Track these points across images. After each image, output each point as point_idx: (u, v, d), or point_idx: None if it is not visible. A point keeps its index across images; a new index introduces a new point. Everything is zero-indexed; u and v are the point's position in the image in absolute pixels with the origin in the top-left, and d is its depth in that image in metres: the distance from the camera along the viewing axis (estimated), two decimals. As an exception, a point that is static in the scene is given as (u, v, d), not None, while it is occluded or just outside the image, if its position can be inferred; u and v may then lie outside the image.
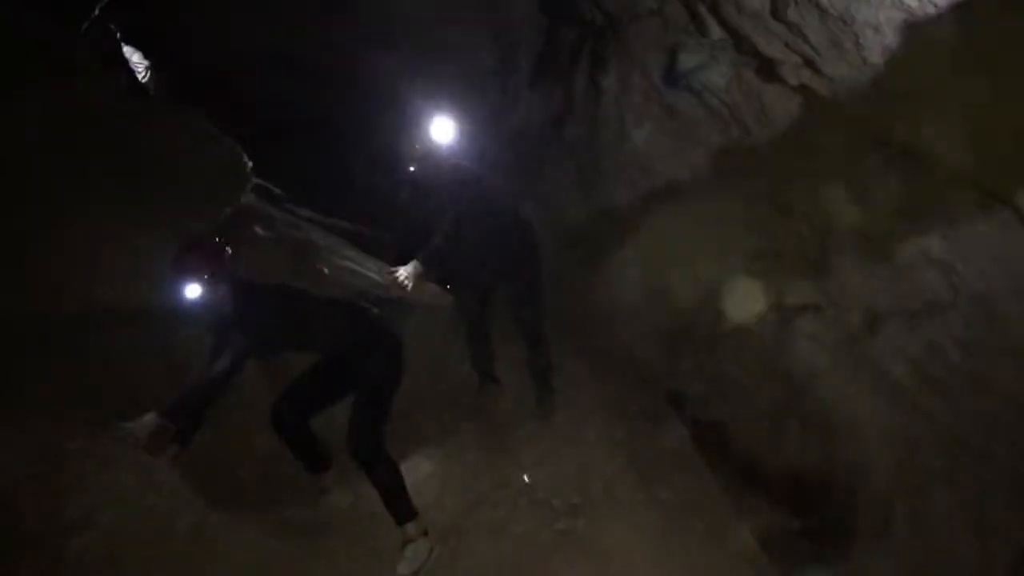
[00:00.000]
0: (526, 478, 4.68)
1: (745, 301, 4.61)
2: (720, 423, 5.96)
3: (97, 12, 7.32)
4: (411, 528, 3.82)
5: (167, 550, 3.46)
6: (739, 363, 5.82)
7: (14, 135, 5.39)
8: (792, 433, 5.56)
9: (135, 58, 7.94)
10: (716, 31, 5.05)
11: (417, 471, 4.67)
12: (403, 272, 4.95)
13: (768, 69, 4.81)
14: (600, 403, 5.05)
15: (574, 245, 6.98)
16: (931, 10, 3.66)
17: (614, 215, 6.63)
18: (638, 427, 4.99)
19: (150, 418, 3.51)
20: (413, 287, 4.97)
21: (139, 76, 7.91)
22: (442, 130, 4.97)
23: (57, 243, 5.02)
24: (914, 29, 3.72)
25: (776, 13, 4.40)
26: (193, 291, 3.84)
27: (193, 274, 3.85)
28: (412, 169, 5.02)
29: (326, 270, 5.78)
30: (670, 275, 6.20)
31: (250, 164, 6.83)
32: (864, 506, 5.18)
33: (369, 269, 6.23)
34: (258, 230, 5.97)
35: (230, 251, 4.05)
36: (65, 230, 5.10)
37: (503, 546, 4.06)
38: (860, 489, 5.21)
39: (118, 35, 7.77)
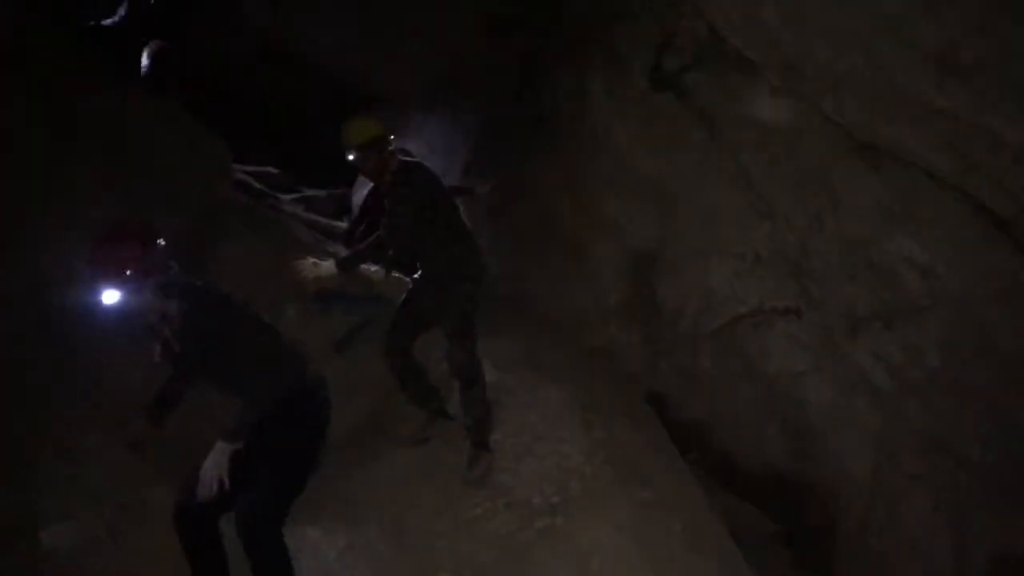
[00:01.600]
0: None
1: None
2: (700, 424, 5.97)
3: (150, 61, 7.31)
4: None
5: (141, 544, 3.42)
6: (719, 364, 5.84)
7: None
8: (771, 435, 5.58)
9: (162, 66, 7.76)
10: (701, 32, 5.06)
11: (394, 470, 4.65)
12: (308, 264, 4.40)
13: (751, 71, 4.83)
14: (579, 402, 5.03)
15: (559, 245, 6.97)
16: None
17: (598, 215, 6.62)
18: (618, 427, 4.97)
19: (140, 427, 3.41)
20: (310, 281, 4.46)
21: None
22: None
23: (41, 232, 4.98)
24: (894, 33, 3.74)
25: (759, 16, 4.42)
26: (109, 295, 3.11)
27: (110, 269, 3.10)
28: (350, 157, 4.51)
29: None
30: (652, 275, 6.20)
31: (233, 157, 6.81)
32: (842, 508, 5.21)
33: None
34: (237, 225, 5.94)
35: (162, 242, 3.28)
36: (47, 219, 5.07)
37: (482, 545, 4.04)
38: (838, 491, 5.24)
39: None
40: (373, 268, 5.32)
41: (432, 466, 4.62)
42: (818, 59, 4.21)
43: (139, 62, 7.52)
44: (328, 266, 4.42)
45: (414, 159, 4.80)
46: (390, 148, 4.52)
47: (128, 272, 3.10)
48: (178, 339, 3.17)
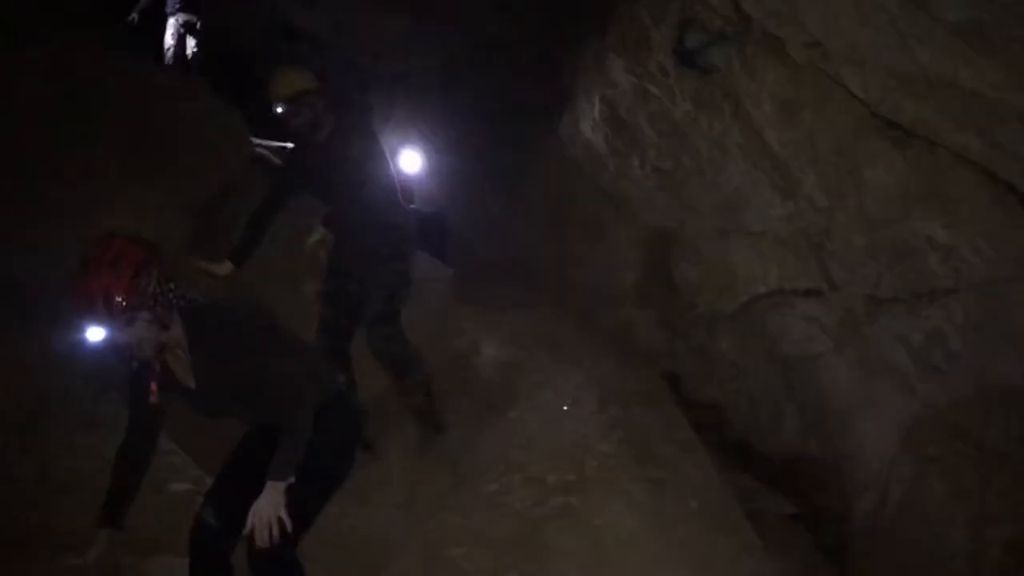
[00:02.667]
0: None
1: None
2: (717, 405, 5.95)
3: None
4: None
5: (158, 515, 3.43)
6: (738, 345, 5.81)
7: (17, 100, 5.37)
8: (789, 416, 5.56)
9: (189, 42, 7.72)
10: (725, 8, 4.99)
11: (406, 446, 4.65)
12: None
13: (776, 48, 4.76)
14: (595, 381, 5.01)
15: (576, 224, 6.95)
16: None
17: (615, 193, 6.59)
18: (633, 406, 4.95)
19: (101, 538, 2.75)
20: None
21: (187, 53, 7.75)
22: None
23: (56, 207, 5.00)
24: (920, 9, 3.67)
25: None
26: (93, 332, 2.54)
27: (94, 302, 2.48)
28: (278, 110, 4.21)
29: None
30: (670, 255, 6.17)
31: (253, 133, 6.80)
32: (860, 492, 5.17)
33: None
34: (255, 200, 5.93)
35: (158, 259, 2.64)
36: (65, 194, 5.08)
37: (496, 522, 4.04)
38: (856, 475, 5.20)
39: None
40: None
41: (447, 440, 4.62)
42: (843, 36, 4.13)
43: (162, 38, 7.52)
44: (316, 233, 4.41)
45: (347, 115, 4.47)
46: (325, 103, 4.25)
47: (116, 304, 2.50)
48: (193, 371, 2.72)
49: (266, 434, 2.77)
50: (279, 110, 4.15)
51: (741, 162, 5.44)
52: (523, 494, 4.17)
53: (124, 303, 2.49)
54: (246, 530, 2.58)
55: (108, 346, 2.57)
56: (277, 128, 4.65)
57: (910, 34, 3.67)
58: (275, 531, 2.56)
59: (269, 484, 2.60)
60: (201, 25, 7.59)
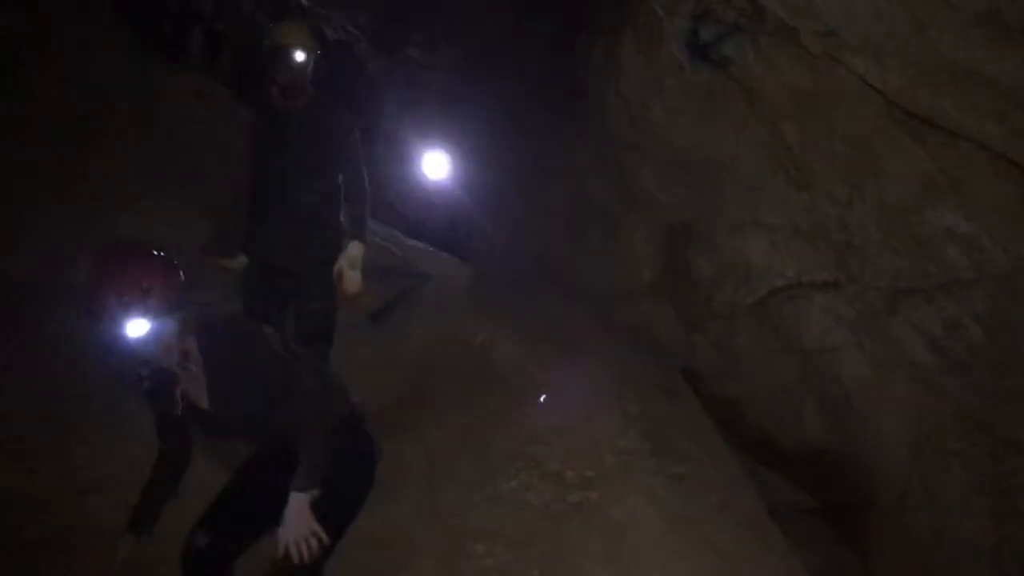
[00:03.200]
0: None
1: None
2: (737, 399, 5.92)
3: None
4: None
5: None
6: (757, 339, 5.77)
7: (31, 106, 5.40)
8: (809, 410, 5.52)
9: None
10: (739, 0, 4.96)
11: (426, 443, 4.66)
12: (353, 280, 4.23)
13: (791, 39, 4.73)
14: (613, 377, 5.01)
15: (593, 218, 6.93)
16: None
17: (632, 188, 6.56)
18: (652, 401, 4.95)
19: (127, 543, 2.74)
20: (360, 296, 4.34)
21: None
22: None
23: (70, 212, 5.03)
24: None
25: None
26: (136, 326, 2.46)
27: (132, 290, 2.44)
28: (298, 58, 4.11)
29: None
30: (687, 249, 6.14)
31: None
32: (881, 485, 5.15)
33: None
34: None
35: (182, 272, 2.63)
36: (79, 199, 5.11)
37: (516, 518, 4.04)
38: (877, 468, 5.17)
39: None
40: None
41: (465, 438, 4.62)
42: (859, 26, 4.11)
43: (185, 38, 7.54)
44: (356, 254, 4.16)
45: None
46: (314, 66, 4.16)
47: (154, 296, 2.46)
48: (208, 389, 2.61)
49: (274, 457, 2.67)
50: (300, 58, 4.06)
51: (757, 155, 5.41)
52: (542, 490, 4.17)
53: (162, 296, 2.48)
54: (279, 553, 2.44)
55: (135, 345, 2.48)
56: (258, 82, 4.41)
57: (928, 23, 3.64)
58: (313, 544, 2.44)
59: (293, 496, 2.46)
60: (227, 29, 7.61)
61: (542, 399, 4.81)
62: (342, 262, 4.14)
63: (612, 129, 6.57)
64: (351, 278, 4.16)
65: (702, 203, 6.05)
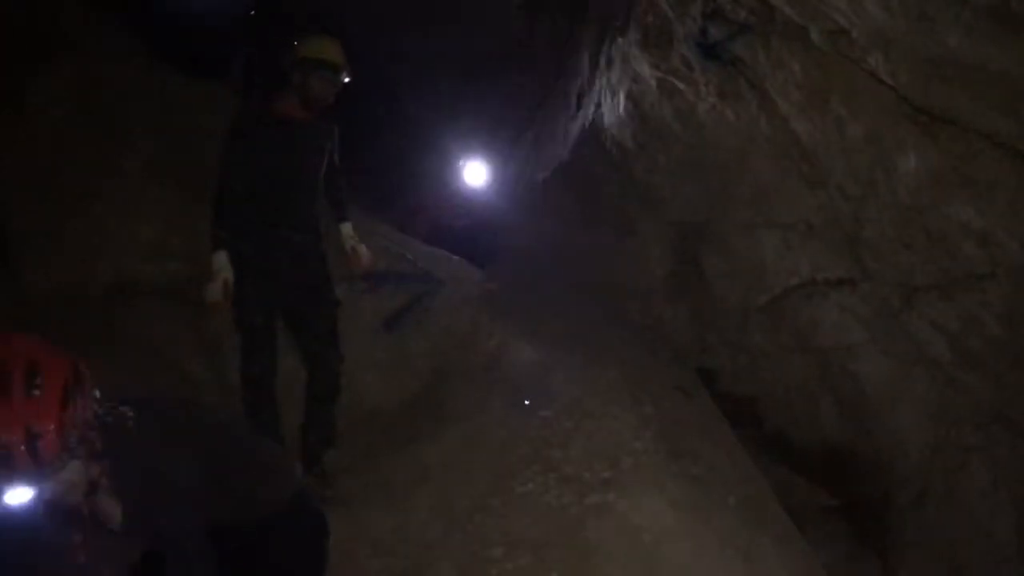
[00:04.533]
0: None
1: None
2: (752, 398, 5.91)
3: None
4: None
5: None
6: (772, 338, 5.76)
7: (46, 110, 5.45)
8: (826, 408, 5.51)
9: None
10: (748, -1, 4.96)
11: (443, 446, 4.67)
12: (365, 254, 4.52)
13: (800, 37, 4.71)
14: (628, 377, 5.01)
15: (605, 219, 6.93)
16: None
17: (643, 188, 6.56)
18: (667, 402, 4.95)
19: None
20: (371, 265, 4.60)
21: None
22: None
23: (88, 217, 5.07)
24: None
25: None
26: (15, 495, 1.73)
27: (8, 451, 1.69)
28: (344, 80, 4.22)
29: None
30: (700, 249, 6.14)
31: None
32: (900, 482, 5.13)
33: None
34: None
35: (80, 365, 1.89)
36: (96, 204, 5.15)
37: (533, 521, 4.04)
38: (896, 465, 5.15)
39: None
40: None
41: (482, 441, 4.63)
42: (869, 22, 4.08)
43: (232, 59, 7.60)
44: (353, 232, 4.42)
45: None
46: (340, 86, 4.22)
47: (46, 445, 1.72)
48: (122, 502, 1.97)
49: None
50: (314, 71, 4.04)
51: (769, 153, 5.40)
52: (559, 493, 4.17)
53: (56, 445, 1.74)
54: None
55: (26, 509, 1.78)
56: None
57: (937, 17, 3.62)
58: None
59: None
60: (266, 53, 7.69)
61: (555, 401, 4.81)
62: (350, 242, 4.39)
63: (623, 129, 6.56)
64: (363, 252, 4.42)
65: (714, 202, 6.04)
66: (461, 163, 7.37)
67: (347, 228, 4.43)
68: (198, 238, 5.21)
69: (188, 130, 6.02)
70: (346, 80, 4.16)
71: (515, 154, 8.07)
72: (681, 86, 5.86)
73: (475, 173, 7.31)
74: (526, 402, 4.89)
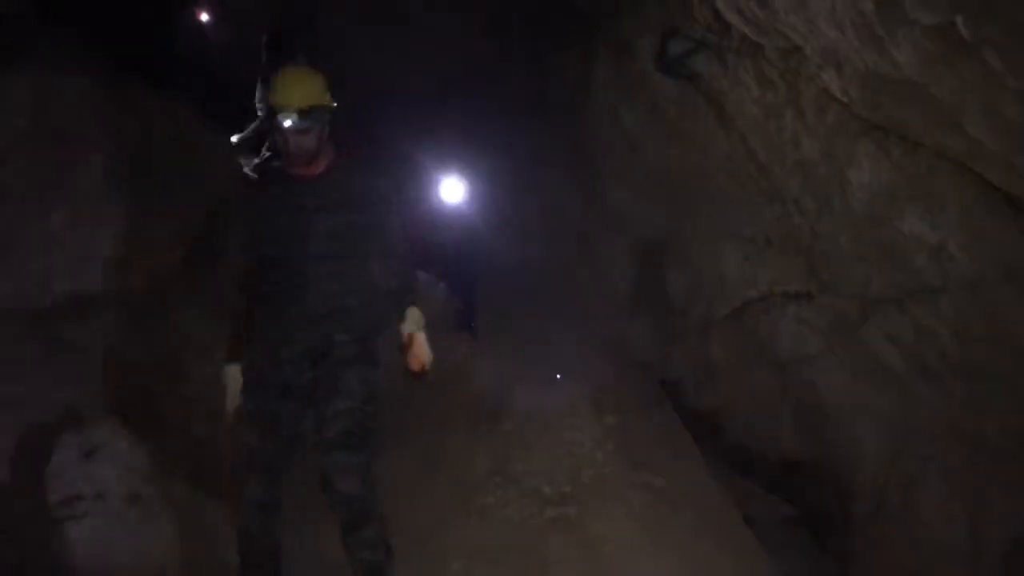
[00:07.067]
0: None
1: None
2: (714, 411, 5.96)
3: None
4: None
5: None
6: (732, 350, 5.82)
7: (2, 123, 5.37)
8: (785, 420, 5.56)
9: None
10: (705, 16, 5.02)
11: (402, 461, 4.65)
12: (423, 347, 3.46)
13: (756, 54, 4.79)
14: (590, 391, 5.03)
15: (569, 234, 6.97)
16: None
17: (605, 204, 6.61)
18: (629, 415, 4.98)
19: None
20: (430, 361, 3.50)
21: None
22: None
23: (45, 233, 5.00)
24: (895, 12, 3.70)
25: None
26: None
27: None
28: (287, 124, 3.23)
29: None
30: (662, 263, 6.19)
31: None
32: (857, 493, 5.18)
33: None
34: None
35: None
36: (52, 219, 5.08)
37: (494, 534, 4.05)
38: (853, 476, 5.21)
39: None
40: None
41: (441, 456, 4.63)
42: (821, 40, 4.16)
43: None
44: (419, 317, 3.42)
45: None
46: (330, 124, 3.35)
47: None
48: None
49: None
50: (289, 123, 3.20)
51: (727, 167, 5.47)
52: (520, 506, 4.18)
53: None
54: None
55: None
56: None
57: (887, 36, 3.69)
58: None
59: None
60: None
61: (517, 414, 4.82)
62: (409, 326, 3.38)
63: (585, 144, 6.62)
64: (422, 343, 3.40)
65: (675, 216, 6.10)
66: (435, 181, 7.34)
67: (412, 313, 3.44)
68: (158, 254, 5.19)
69: (148, 145, 5.98)
70: (319, 117, 3.27)
71: (486, 169, 8.09)
72: (642, 101, 5.93)
73: (450, 190, 7.30)
74: (488, 415, 4.89)
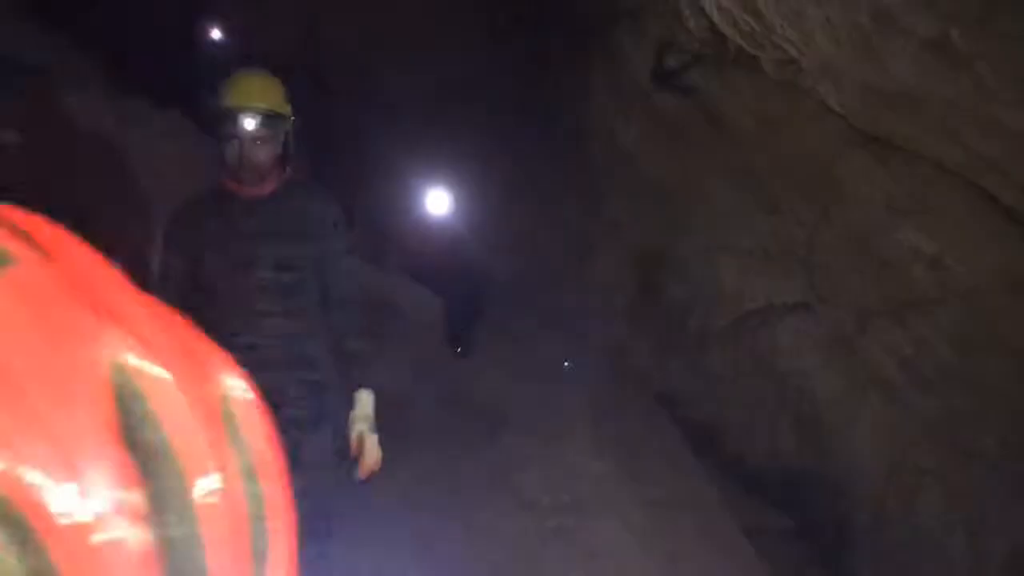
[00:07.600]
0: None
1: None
2: (712, 422, 5.96)
3: None
4: None
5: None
6: (730, 362, 5.82)
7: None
8: (783, 432, 5.56)
9: None
10: (702, 29, 5.04)
11: (401, 474, 4.64)
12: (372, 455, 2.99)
13: (753, 67, 4.81)
14: (588, 403, 5.03)
15: (567, 245, 6.98)
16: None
17: (604, 215, 6.62)
18: (627, 426, 4.98)
19: None
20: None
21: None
22: None
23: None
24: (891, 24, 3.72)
25: (758, 11, 4.39)
26: None
27: None
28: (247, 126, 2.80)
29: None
30: (660, 274, 6.19)
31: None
32: (855, 503, 5.17)
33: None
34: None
35: None
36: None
37: (494, 546, 4.04)
38: (851, 486, 5.21)
39: None
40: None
41: (440, 468, 4.62)
42: (818, 52, 4.18)
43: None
44: (369, 409, 2.97)
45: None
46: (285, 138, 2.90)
47: None
48: None
49: None
50: (250, 125, 2.76)
51: (724, 180, 5.49)
52: (519, 517, 4.17)
53: None
54: None
55: None
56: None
57: (883, 49, 3.71)
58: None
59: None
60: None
61: (516, 426, 4.82)
62: (359, 425, 2.92)
63: (584, 156, 6.64)
64: (373, 445, 2.94)
65: (673, 228, 6.11)
66: (428, 191, 7.36)
67: (361, 400, 2.98)
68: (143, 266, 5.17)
69: (131, 155, 5.97)
70: (276, 124, 2.86)
71: (482, 179, 8.10)
72: (639, 113, 5.95)
73: (441, 201, 7.31)
74: (486, 427, 4.88)
